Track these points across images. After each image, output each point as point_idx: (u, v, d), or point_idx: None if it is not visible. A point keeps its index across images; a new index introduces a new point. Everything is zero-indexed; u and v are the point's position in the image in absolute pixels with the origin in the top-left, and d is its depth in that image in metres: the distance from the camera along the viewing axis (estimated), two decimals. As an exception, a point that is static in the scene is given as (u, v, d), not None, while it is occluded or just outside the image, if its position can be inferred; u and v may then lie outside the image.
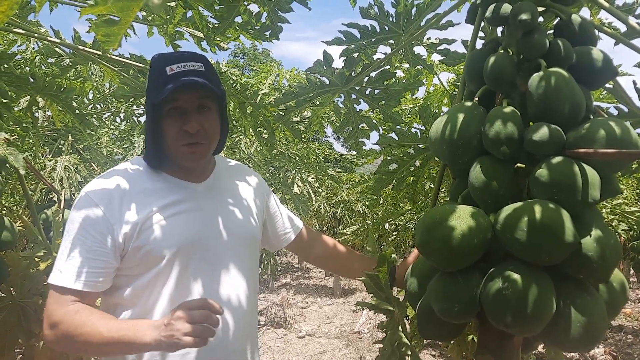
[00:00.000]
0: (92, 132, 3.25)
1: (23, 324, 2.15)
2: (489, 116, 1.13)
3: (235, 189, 1.65)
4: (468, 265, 1.04)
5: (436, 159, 2.14)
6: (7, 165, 1.90)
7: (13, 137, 1.52)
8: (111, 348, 1.28)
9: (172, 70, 1.40)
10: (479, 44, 1.42)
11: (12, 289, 2.12)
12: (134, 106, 3.90)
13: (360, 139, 2.20)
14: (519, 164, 1.16)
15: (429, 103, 3.31)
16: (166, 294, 1.41)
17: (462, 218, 1.03)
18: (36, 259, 2.16)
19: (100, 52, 2.13)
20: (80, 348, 1.33)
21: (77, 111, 2.64)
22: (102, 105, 3.58)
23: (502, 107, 1.13)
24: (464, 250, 1.01)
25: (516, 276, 0.95)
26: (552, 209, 0.95)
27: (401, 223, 3.89)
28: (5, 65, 1.84)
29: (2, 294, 2.10)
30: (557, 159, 1.02)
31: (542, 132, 1.04)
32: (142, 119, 4.21)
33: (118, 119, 4.00)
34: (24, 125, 1.63)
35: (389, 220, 3.59)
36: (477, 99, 1.23)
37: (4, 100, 1.44)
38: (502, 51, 1.22)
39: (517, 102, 1.18)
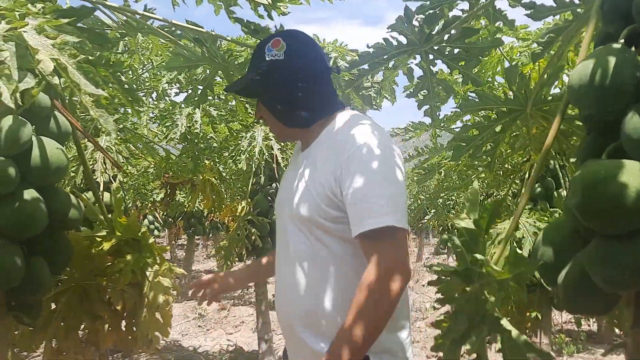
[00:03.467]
0: (140, 109, 3.15)
1: (86, 306, 2.07)
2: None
3: (315, 162, 1.46)
4: (638, 227, 0.90)
5: (518, 123, 1.99)
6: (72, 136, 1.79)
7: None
8: None
9: None
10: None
11: (73, 270, 2.04)
12: (172, 84, 3.78)
13: (435, 104, 2.05)
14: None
15: (483, 71, 3.15)
16: None
17: (633, 174, 0.89)
18: (98, 239, 2.07)
19: (154, 17, 2.00)
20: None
21: (126, 86, 2.53)
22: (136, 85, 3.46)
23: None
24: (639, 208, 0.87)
25: None
26: None
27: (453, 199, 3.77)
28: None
29: (64, 276, 2.02)
30: None
31: None
32: (177, 98, 4.08)
33: (151, 99, 3.89)
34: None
35: (442, 195, 3.47)
36: (622, 40, 1.07)
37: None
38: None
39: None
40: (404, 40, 1.84)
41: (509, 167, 3.81)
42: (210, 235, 10.74)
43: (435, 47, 1.88)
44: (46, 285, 1.72)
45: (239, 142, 3.44)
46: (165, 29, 2.46)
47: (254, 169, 4.06)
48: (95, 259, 2.06)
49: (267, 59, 1.47)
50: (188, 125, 3.52)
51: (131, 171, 4.33)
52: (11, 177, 1.57)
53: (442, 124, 3.73)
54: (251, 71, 1.53)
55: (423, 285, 9.49)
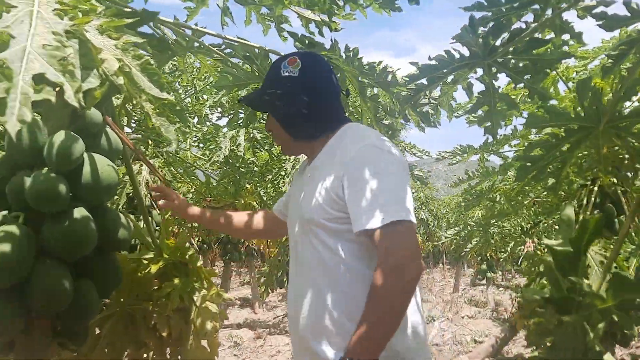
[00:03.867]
0: (187, 130, 3.12)
1: (131, 332, 1.99)
2: None
3: (321, 170, 1.53)
4: None
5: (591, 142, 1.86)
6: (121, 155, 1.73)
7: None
8: None
9: None
10: None
11: (119, 294, 1.96)
12: (215, 108, 3.76)
13: (497, 121, 1.93)
14: None
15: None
16: None
17: None
18: (144, 262, 2.00)
19: (207, 33, 1.96)
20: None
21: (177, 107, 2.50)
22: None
23: None
24: None
25: None
26: None
27: (506, 226, 3.61)
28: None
29: (109, 300, 1.95)
30: None
31: None
32: (219, 122, 4.06)
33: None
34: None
35: (494, 221, 3.31)
36: None
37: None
38: None
39: None
40: (466, 52, 1.75)
41: (561, 192, 3.64)
42: (245, 262, 10.67)
43: (499, 60, 1.78)
44: (94, 310, 1.64)
45: (283, 164, 3.38)
46: (216, 47, 2.43)
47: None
48: (141, 283, 1.98)
49: (283, 75, 1.57)
50: (231, 147, 3.48)
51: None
52: (62, 195, 1.51)
53: (491, 148, 3.60)
54: (265, 85, 1.65)
55: (462, 317, 9.17)
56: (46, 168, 1.55)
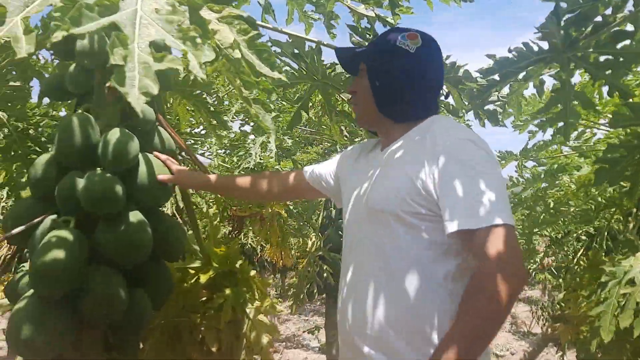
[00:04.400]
0: (222, 134, 3.01)
1: (176, 346, 1.85)
2: None
3: (402, 158, 1.37)
4: None
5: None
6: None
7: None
8: None
9: None
10: None
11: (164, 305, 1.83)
12: (237, 115, 3.64)
13: (571, 121, 1.80)
14: None
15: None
16: None
17: None
18: (191, 271, 1.86)
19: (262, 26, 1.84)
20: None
21: (211, 108, 2.38)
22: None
23: None
24: None
25: None
26: None
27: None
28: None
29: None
30: None
31: None
32: (246, 128, 3.94)
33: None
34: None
35: (537, 230, 3.16)
36: None
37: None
38: None
39: None
40: (545, 45, 1.62)
41: (603, 200, 3.49)
42: (258, 274, 10.48)
43: (579, 54, 1.65)
44: (148, 321, 1.51)
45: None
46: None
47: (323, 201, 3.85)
48: (188, 294, 1.85)
49: (397, 44, 1.43)
50: (262, 153, 3.36)
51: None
52: (119, 197, 1.39)
53: (531, 154, 3.47)
54: (368, 50, 1.52)
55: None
56: (98, 168, 1.42)
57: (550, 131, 3.01)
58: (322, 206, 3.80)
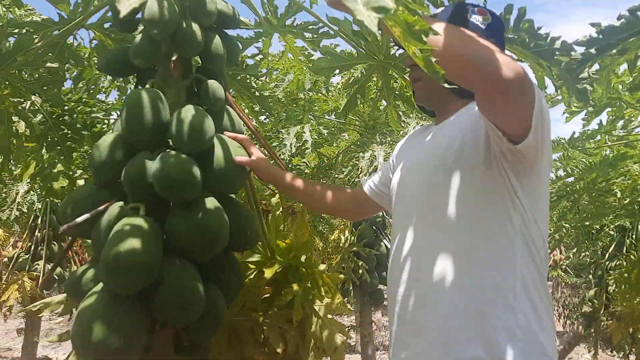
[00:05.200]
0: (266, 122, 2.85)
1: (236, 347, 1.70)
2: None
3: (452, 123, 1.33)
4: None
5: None
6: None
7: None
8: None
9: None
10: None
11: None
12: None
13: None
14: None
15: None
16: None
17: None
18: (251, 266, 1.72)
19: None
20: None
21: (257, 93, 2.23)
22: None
23: None
24: None
25: None
26: None
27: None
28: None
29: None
30: None
31: None
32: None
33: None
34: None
35: (588, 223, 3.02)
36: None
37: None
38: None
39: None
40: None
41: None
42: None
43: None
44: (223, 320, 1.36)
45: (357, 161, 3.09)
46: (310, 26, 2.17)
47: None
48: (249, 291, 1.70)
49: (469, 18, 1.35)
50: (298, 144, 3.21)
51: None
52: (197, 180, 1.24)
53: (578, 143, 3.32)
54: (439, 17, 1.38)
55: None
56: (171, 150, 1.27)
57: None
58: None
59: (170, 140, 1.34)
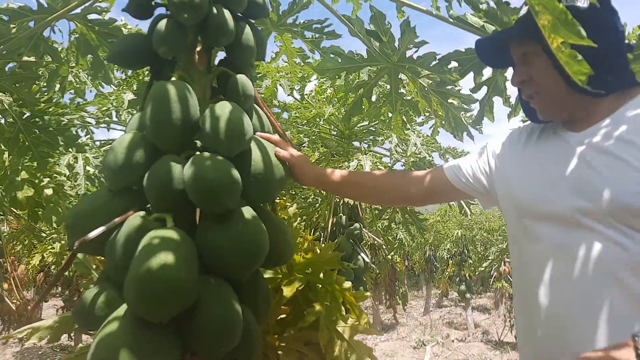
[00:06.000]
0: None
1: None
2: None
3: (627, 142, 1.07)
4: None
5: None
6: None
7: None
8: None
9: None
10: None
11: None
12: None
13: None
14: None
15: None
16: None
17: None
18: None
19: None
20: None
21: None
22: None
23: None
24: None
25: None
26: None
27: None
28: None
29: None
30: None
31: None
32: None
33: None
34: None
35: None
36: None
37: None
38: None
39: None
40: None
41: None
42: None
43: None
44: (258, 349, 1.19)
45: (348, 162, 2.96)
46: (314, 24, 2.04)
47: (332, 206, 3.57)
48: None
49: (566, 4, 1.13)
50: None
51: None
52: (238, 187, 1.08)
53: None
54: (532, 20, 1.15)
55: (453, 341, 8.89)
56: (206, 152, 1.10)
57: None
58: (331, 212, 3.52)
59: (197, 141, 1.17)
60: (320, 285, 1.58)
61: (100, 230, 1.07)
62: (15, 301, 5.20)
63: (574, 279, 1.09)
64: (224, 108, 1.11)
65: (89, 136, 2.94)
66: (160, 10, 1.31)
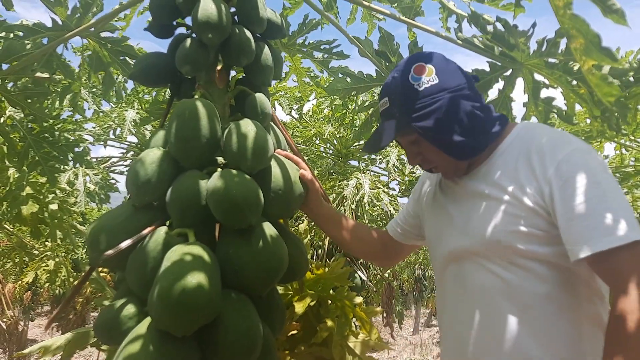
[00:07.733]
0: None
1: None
2: None
3: (501, 181, 1.20)
4: None
5: None
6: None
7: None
8: None
9: None
10: None
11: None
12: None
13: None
14: None
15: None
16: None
17: None
18: (276, 299, 1.56)
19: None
20: None
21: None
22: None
23: None
24: None
25: None
26: None
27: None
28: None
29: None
30: None
31: None
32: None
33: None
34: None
35: None
36: None
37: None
38: None
39: None
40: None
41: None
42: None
43: None
44: (276, 363, 1.20)
45: (342, 189, 2.99)
46: (323, 45, 2.08)
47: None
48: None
49: (421, 89, 1.22)
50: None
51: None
52: (262, 203, 1.10)
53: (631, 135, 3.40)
54: (404, 110, 1.25)
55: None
56: (232, 169, 1.13)
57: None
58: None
59: (218, 158, 1.19)
60: (330, 302, 1.60)
61: (128, 243, 1.09)
62: (5, 320, 5.13)
63: (466, 304, 1.22)
64: (247, 126, 1.13)
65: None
66: (180, 30, 1.34)
